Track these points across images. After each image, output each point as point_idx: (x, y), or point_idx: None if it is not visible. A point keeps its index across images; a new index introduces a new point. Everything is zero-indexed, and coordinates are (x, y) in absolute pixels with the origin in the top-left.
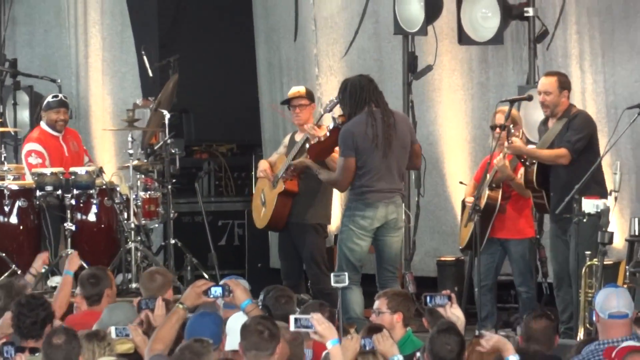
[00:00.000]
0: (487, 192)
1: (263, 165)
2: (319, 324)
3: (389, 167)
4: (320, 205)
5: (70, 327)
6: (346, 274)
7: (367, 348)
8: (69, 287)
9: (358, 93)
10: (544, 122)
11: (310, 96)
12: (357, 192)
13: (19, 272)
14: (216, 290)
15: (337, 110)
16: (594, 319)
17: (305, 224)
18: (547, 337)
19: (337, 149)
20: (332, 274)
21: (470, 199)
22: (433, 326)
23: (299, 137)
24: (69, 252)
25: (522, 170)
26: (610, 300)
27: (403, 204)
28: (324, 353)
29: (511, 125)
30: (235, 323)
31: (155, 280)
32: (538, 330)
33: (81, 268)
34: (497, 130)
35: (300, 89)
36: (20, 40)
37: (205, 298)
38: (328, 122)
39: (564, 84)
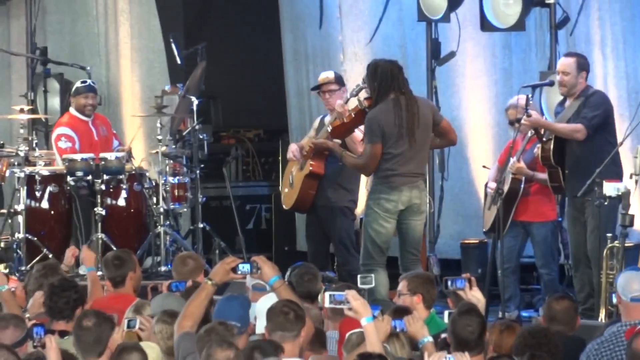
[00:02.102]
0: (511, 176)
1: (292, 147)
2: (354, 299)
3: (414, 154)
4: (347, 188)
5: (101, 310)
6: (372, 275)
7: (398, 329)
8: (98, 284)
9: (389, 80)
10: (561, 103)
11: (339, 81)
12: (382, 175)
13: (50, 256)
14: (244, 267)
15: (362, 95)
16: (615, 301)
17: (332, 206)
18: (569, 318)
19: (357, 132)
20: (358, 275)
21: (492, 184)
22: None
23: (328, 120)
24: (99, 236)
25: (538, 149)
26: (632, 283)
27: (426, 189)
28: (347, 334)
29: (525, 116)
30: (264, 306)
31: (187, 265)
32: (560, 311)
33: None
34: (516, 125)
35: (329, 74)
36: (50, 29)
37: (234, 275)
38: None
39: (583, 66)
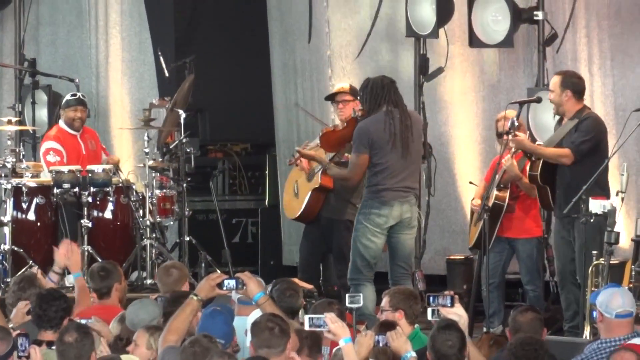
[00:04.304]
0: (495, 192)
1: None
2: (332, 322)
3: (405, 167)
4: (353, 202)
5: (83, 324)
6: (361, 294)
7: (381, 344)
8: (86, 290)
9: (378, 91)
10: (559, 122)
11: (353, 92)
12: (373, 190)
13: (35, 267)
14: (229, 283)
15: (358, 106)
16: (597, 318)
17: (336, 219)
18: (533, 330)
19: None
20: (346, 295)
21: (477, 202)
22: None
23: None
24: (85, 249)
25: (528, 166)
26: (616, 300)
27: (416, 204)
28: (334, 349)
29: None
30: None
31: (171, 275)
32: (524, 323)
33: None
34: (505, 137)
35: (344, 85)
36: (44, 40)
37: (219, 290)
38: None
39: (567, 84)
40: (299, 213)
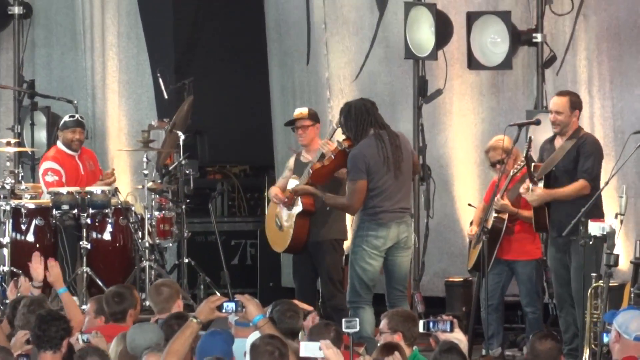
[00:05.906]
0: (493, 214)
1: (274, 191)
2: (327, 348)
3: (400, 188)
4: (334, 221)
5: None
6: (357, 319)
7: None
8: (74, 303)
9: (364, 116)
10: (550, 141)
11: (313, 117)
12: (370, 212)
13: (22, 277)
14: (229, 306)
15: (338, 136)
16: (612, 339)
17: (322, 241)
18: (552, 359)
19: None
20: (343, 320)
21: (474, 229)
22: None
23: (305, 158)
24: (84, 270)
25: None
26: (637, 322)
27: (412, 224)
28: None
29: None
30: None
31: (162, 293)
32: (543, 351)
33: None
34: (498, 166)
35: (302, 110)
36: (39, 62)
37: (219, 313)
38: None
39: (576, 104)
40: (289, 243)
